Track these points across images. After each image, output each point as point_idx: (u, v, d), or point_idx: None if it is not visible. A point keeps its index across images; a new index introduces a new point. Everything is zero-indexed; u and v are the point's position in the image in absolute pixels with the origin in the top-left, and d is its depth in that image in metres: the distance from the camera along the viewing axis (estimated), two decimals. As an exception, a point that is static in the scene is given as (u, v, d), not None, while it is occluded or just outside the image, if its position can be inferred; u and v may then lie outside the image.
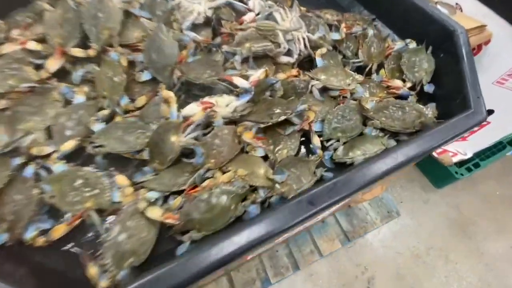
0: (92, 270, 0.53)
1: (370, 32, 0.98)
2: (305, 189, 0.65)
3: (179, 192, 0.64)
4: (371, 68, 0.93)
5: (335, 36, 0.95)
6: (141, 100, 0.79)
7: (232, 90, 0.76)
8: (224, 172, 0.66)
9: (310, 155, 0.74)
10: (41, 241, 0.56)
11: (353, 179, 0.54)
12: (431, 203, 1.78)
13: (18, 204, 0.58)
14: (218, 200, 0.58)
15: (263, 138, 0.71)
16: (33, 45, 0.76)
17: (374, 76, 0.91)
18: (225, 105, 0.69)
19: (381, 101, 0.81)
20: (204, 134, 0.70)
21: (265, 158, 0.72)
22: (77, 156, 0.71)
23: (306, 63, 0.98)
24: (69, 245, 0.60)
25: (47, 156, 0.67)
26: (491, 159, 1.65)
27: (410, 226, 1.69)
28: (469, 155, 1.58)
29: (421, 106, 0.78)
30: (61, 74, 0.80)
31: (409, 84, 0.88)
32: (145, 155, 0.69)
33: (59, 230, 0.58)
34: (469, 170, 1.65)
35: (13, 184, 0.60)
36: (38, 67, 0.76)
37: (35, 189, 0.61)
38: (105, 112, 0.75)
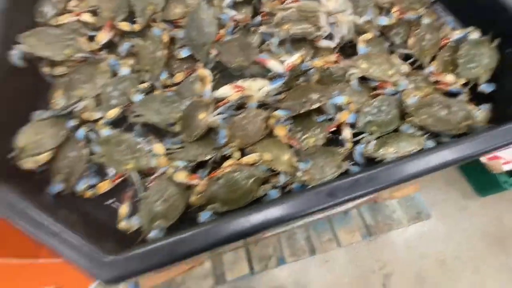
0: (122, 224, 0.61)
1: (425, 21, 0.88)
2: (328, 180, 0.65)
3: (203, 165, 0.69)
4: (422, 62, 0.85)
5: (384, 21, 0.87)
6: (178, 76, 0.82)
7: (266, 74, 0.75)
8: (243, 154, 0.68)
9: (338, 146, 0.72)
10: (89, 194, 0.66)
11: (378, 177, 0.52)
12: (468, 211, 1.64)
13: (72, 160, 0.67)
14: (242, 183, 0.61)
15: (294, 139, 0.69)
16: (87, 17, 0.82)
17: (425, 70, 0.83)
18: (257, 89, 0.69)
19: (425, 96, 0.75)
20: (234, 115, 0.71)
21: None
22: (121, 124, 0.78)
23: (349, 49, 0.92)
24: (111, 200, 0.68)
25: (96, 121, 0.75)
26: (552, 172, 1.45)
27: (440, 231, 1.59)
28: (525, 164, 1.40)
29: (472, 106, 0.71)
30: (110, 47, 0.87)
31: (462, 81, 0.79)
32: (177, 128, 0.74)
33: (104, 186, 0.67)
34: (521, 181, 1.48)
35: (68, 143, 0.69)
36: (91, 39, 0.83)
37: (85, 149, 0.69)
38: (145, 85, 0.80)
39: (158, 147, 0.68)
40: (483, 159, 1.46)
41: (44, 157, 0.65)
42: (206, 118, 0.66)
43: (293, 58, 0.68)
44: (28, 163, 0.63)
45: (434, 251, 1.54)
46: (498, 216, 1.62)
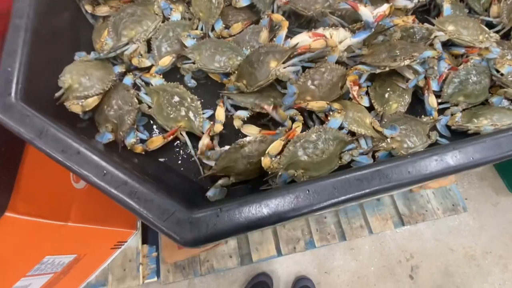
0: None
1: (516, -17, 0.78)
2: (417, 151, 0.57)
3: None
4: (509, 31, 0.75)
5: (469, -18, 0.77)
6: (236, 27, 0.72)
7: (344, 26, 0.66)
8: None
9: (421, 116, 0.64)
10: (139, 148, 0.57)
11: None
12: (500, 207, 1.58)
13: (121, 109, 0.58)
14: (326, 144, 0.52)
15: (361, 88, 0.61)
16: (136, -49, 0.71)
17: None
18: (338, 40, 0.60)
19: (520, 67, 0.66)
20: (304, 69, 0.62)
21: (369, 109, 0.63)
22: (170, 77, 0.69)
23: (420, 13, 0.83)
24: (164, 159, 0.60)
25: (146, 69, 0.66)
26: None
27: (471, 225, 1.53)
28: None
29: None
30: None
31: (559, 53, 0.70)
32: (233, 80, 0.65)
33: (156, 142, 0.58)
34: None
35: (116, 90, 0.60)
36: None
37: (135, 98, 0.60)
38: (198, 31, 0.70)
39: (220, 112, 0.59)
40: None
41: (92, 101, 0.56)
42: (277, 67, 0.56)
43: (383, 8, 0.59)
44: (76, 107, 0.55)
45: (463, 245, 1.49)
46: (531, 214, 1.56)
